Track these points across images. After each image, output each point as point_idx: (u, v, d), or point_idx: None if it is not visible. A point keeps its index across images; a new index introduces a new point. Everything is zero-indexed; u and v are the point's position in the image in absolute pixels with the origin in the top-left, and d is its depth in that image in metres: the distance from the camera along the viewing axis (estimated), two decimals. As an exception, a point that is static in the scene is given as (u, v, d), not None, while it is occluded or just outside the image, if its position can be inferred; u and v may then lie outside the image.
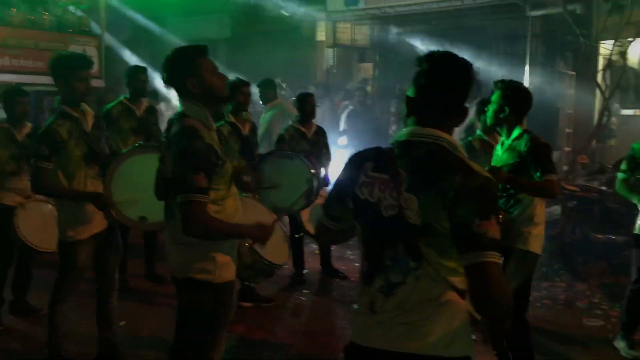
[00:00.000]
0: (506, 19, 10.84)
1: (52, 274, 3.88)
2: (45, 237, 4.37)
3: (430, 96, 1.87)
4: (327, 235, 2.23)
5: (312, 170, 4.95)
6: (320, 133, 6.15)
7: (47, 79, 7.55)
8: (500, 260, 1.73)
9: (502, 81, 3.71)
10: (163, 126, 5.79)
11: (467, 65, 1.88)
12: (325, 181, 5.88)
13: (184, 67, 2.74)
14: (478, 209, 1.72)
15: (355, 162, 2.00)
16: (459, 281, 1.82)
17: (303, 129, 5.97)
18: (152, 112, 6.00)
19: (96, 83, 7.93)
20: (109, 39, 9.99)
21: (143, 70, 5.94)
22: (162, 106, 9.17)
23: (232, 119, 5.20)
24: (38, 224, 4.53)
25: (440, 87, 1.86)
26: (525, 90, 3.78)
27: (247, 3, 13.11)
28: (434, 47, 9.58)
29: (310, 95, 6.26)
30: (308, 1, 13.14)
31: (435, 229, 1.76)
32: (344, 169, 2.04)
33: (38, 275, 4.97)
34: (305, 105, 6.02)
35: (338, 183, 2.07)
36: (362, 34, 13.65)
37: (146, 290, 5.66)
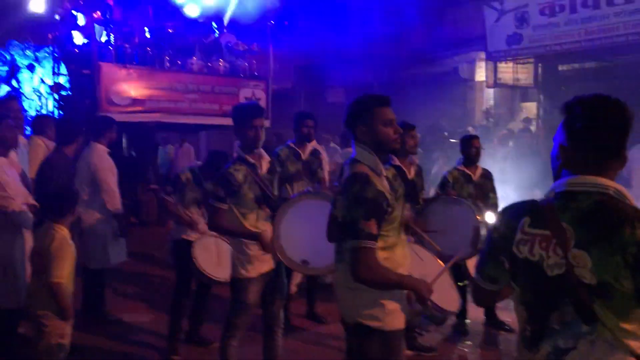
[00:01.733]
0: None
1: (224, 308, 4.00)
2: (219, 268, 4.58)
3: (588, 142, 1.72)
4: (481, 297, 2.07)
5: (479, 217, 4.71)
6: (487, 176, 5.86)
7: (219, 120, 8.22)
8: None
9: None
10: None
11: (622, 106, 1.73)
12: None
13: (359, 114, 2.77)
14: None
15: (509, 218, 1.86)
16: None
17: (468, 172, 5.73)
18: (317, 155, 6.15)
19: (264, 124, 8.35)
20: (275, 84, 10.54)
21: (309, 116, 6.12)
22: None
23: (398, 162, 5.11)
24: (213, 256, 4.76)
25: (598, 131, 1.71)
26: None
27: (404, 47, 13.22)
28: (606, 85, 8.93)
29: (476, 137, 6.00)
30: (467, 42, 12.94)
31: (614, 288, 1.58)
32: (497, 225, 1.90)
33: (212, 309, 5.18)
34: (470, 147, 5.78)
35: (491, 241, 1.91)
36: (525, 72, 13.12)
37: (307, 330, 5.67)
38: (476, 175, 5.74)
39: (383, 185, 2.72)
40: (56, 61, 9.01)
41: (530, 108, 13.59)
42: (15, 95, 13.22)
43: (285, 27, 8.69)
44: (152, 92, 7.89)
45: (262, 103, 8.60)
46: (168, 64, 8.08)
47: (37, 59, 14.80)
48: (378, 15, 11.80)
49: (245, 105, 4.13)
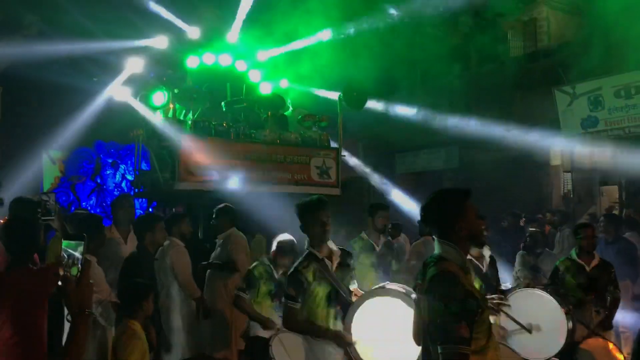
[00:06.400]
0: None
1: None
2: None
3: None
4: None
5: (564, 309, 4.45)
6: (605, 268, 5.49)
7: (292, 188, 8.27)
8: None
9: None
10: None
11: None
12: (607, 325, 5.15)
13: (454, 209, 2.70)
14: None
15: None
16: None
17: (581, 262, 5.44)
18: (390, 247, 6.07)
19: (333, 192, 8.36)
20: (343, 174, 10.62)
21: (383, 207, 6.12)
22: (401, 239, 9.10)
23: (470, 256, 4.88)
24: (290, 353, 4.59)
25: None
26: None
27: (475, 133, 13.21)
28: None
29: (589, 226, 5.72)
30: (540, 126, 12.81)
31: None
32: None
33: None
34: (583, 236, 5.52)
35: None
36: (604, 155, 12.70)
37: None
38: (590, 267, 5.42)
39: (470, 283, 2.61)
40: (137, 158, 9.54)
41: (611, 191, 13.02)
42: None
43: (355, 101, 8.91)
44: (228, 161, 8.11)
45: (333, 171, 8.67)
46: (243, 136, 8.35)
47: (120, 157, 15.72)
48: (446, 99, 12.02)
49: (309, 201, 4.00)
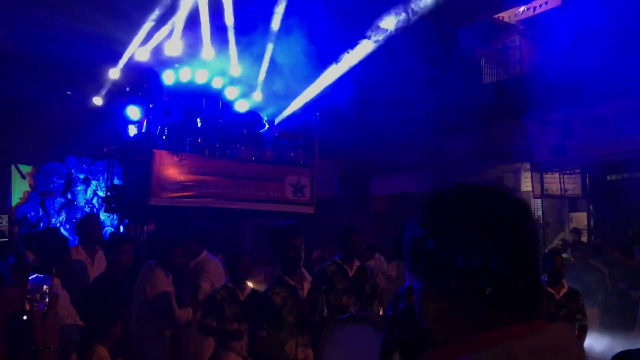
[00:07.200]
0: None
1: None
2: None
3: None
4: None
5: None
6: (573, 296, 5.43)
7: (265, 206, 8.25)
8: None
9: None
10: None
11: None
12: None
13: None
14: None
15: None
16: None
17: (551, 291, 5.44)
18: (363, 271, 6.03)
19: (307, 210, 8.35)
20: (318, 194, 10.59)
21: (355, 230, 6.07)
22: (373, 262, 9.08)
23: None
24: None
25: None
26: None
27: (447, 157, 13.35)
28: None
29: (557, 254, 5.74)
30: (511, 153, 13.01)
31: None
32: None
33: None
34: (552, 265, 5.51)
35: None
36: (573, 183, 12.94)
37: None
38: (560, 294, 5.41)
39: None
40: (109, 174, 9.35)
41: (579, 218, 13.24)
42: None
43: (331, 120, 8.97)
44: (202, 177, 8.06)
45: (307, 190, 8.66)
46: (217, 152, 8.32)
47: (92, 173, 15.48)
48: (421, 126, 12.16)
49: (283, 226, 3.94)
